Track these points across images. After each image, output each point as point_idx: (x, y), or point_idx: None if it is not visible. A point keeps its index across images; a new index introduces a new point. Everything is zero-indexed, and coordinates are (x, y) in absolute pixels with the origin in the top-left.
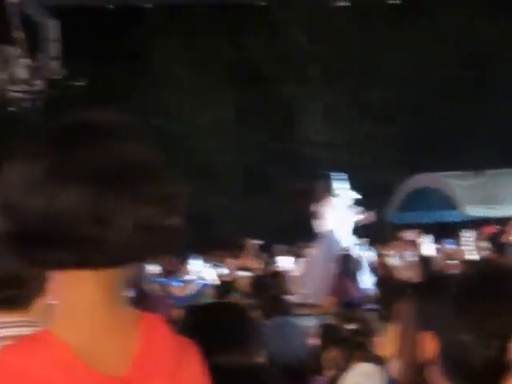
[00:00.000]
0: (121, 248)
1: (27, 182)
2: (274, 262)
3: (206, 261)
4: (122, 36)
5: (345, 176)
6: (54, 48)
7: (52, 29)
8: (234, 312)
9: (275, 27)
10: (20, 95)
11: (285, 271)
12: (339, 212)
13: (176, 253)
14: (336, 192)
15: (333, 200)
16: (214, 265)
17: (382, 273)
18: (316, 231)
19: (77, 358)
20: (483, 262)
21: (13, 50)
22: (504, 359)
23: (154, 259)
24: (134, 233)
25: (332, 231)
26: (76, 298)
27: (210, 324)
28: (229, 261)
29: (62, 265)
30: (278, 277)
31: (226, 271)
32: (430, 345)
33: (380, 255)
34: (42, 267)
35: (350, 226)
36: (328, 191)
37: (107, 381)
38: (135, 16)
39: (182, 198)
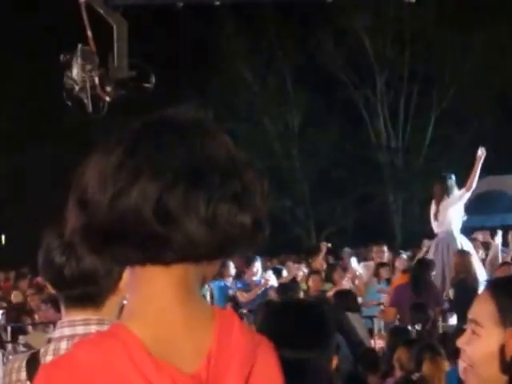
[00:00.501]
0: (189, 245)
1: (98, 179)
2: (340, 265)
3: (270, 264)
4: (190, 35)
5: (453, 176)
6: (122, 48)
7: (120, 28)
8: (311, 311)
9: (342, 29)
10: (90, 95)
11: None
12: (455, 212)
13: (249, 252)
14: (452, 193)
15: (449, 200)
16: (278, 268)
17: (459, 273)
18: (434, 232)
19: (150, 354)
20: None
21: (86, 50)
22: None
23: (226, 258)
24: (202, 230)
25: (451, 232)
26: (149, 294)
27: (287, 321)
28: (290, 264)
29: (131, 261)
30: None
31: (287, 274)
32: None
33: (458, 255)
34: (113, 263)
35: (460, 226)
36: (446, 192)
37: (181, 377)
38: (204, 15)
39: (255, 196)
